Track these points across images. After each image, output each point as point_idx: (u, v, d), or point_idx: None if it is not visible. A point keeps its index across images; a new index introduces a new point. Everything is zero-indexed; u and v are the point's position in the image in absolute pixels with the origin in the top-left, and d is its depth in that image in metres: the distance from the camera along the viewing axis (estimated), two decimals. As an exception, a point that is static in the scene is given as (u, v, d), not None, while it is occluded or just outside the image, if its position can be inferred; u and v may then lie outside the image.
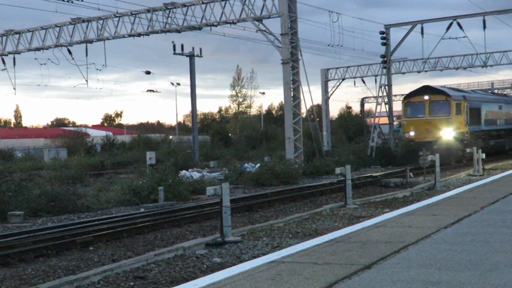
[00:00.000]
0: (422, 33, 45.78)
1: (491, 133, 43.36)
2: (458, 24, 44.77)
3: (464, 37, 46.65)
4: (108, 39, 41.80)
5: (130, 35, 41.06)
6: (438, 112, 37.61)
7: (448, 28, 45.08)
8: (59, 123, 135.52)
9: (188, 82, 48.04)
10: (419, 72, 65.84)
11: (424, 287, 6.18)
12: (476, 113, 40.56)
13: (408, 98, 39.72)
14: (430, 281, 6.39)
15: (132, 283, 10.44)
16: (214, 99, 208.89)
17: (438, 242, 8.76)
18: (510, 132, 47.21)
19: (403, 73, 66.88)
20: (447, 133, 36.98)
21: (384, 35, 46.98)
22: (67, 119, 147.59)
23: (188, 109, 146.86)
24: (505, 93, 56.18)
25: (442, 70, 64.65)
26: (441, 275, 6.62)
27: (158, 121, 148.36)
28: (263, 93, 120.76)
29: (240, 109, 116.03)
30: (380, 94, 48.36)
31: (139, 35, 40.77)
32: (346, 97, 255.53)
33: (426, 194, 21.94)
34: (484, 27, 43.88)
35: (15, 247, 13.72)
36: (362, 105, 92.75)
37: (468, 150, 35.26)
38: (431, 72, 67.69)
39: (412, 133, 37.84)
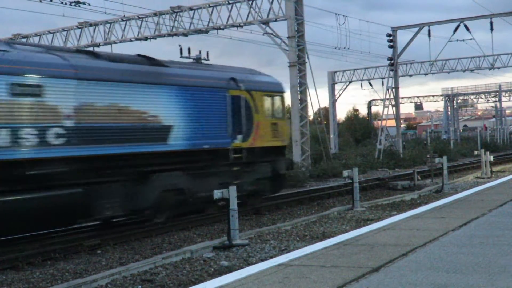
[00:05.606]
0: (429, 35, 45.70)
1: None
2: (465, 26, 44.69)
3: (471, 39, 46.63)
4: (115, 42, 41.94)
5: (137, 39, 41.17)
6: None
7: (455, 30, 44.98)
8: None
9: (195, 85, 48.04)
10: (426, 74, 65.96)
11: (432, 290, 6.16)
12: None
13: None
14: (438, 283, 6.37)
15: (139, 286, 10.46)
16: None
17: (446, 244, 8.74)
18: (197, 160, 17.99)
19: (410, 75, 66.99)
20: None
21: (391, 38, 46.93)
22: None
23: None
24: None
25: (449, 73, 64.75)
26: (449, 278, 6.60)
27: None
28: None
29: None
30: (387, 97, 48.29)
31: (146, 38, 40.87)
32: (353, 99, 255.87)
33: (433, 197, 21.87)
34: (492, 29, 43.79)
35: (23, 251, 13.75)
36: (369, 107, 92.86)
37: None
38: (438, 74, 67.68)
39: None
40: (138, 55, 17.85)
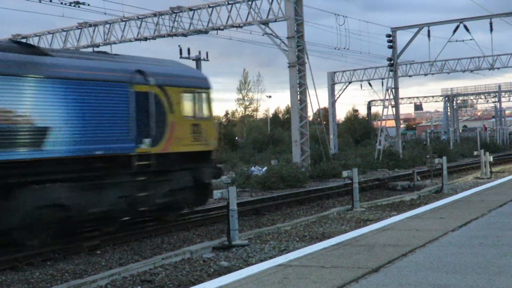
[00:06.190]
0: (428, 35, 45.68)
1: None
2: (465, 26, 44.66)
3: (471, 39, 46.61)
4: (114, 43, 41.92)
5: (136, 39, 41.15)
6: None
7: (454, 30, 44.95)
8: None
9: (195, 85, 48.00)
10: (425, 75, 65.93)
11: (432, 290, 6.16)
12: None
13: None
14: (437, 284, 6.37)
15: (139, 287, 10.46)
16: (221, 103, 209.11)
17: (445, 245, 8.74)
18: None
19: (410, 76, 66.98)
20: None
21: (391, 38, 46.91)
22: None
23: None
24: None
25: (449, 73, 64.70)
26: (448, 279, 6.60)
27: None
28: (270, 96, 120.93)
29: (247, 112, 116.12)
30: (387, 97, 48.29)
31: (145, 39, 40.86)
32: (353, 100, 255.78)
33: (433, 197, 21.88)
34: (491, 29, 43.77)
35: (22, 251, 13.74)
36: (368, 108, 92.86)
37: None
38: (437, 74, 67.63)
39: None
40: (11, 40, 15.02)
